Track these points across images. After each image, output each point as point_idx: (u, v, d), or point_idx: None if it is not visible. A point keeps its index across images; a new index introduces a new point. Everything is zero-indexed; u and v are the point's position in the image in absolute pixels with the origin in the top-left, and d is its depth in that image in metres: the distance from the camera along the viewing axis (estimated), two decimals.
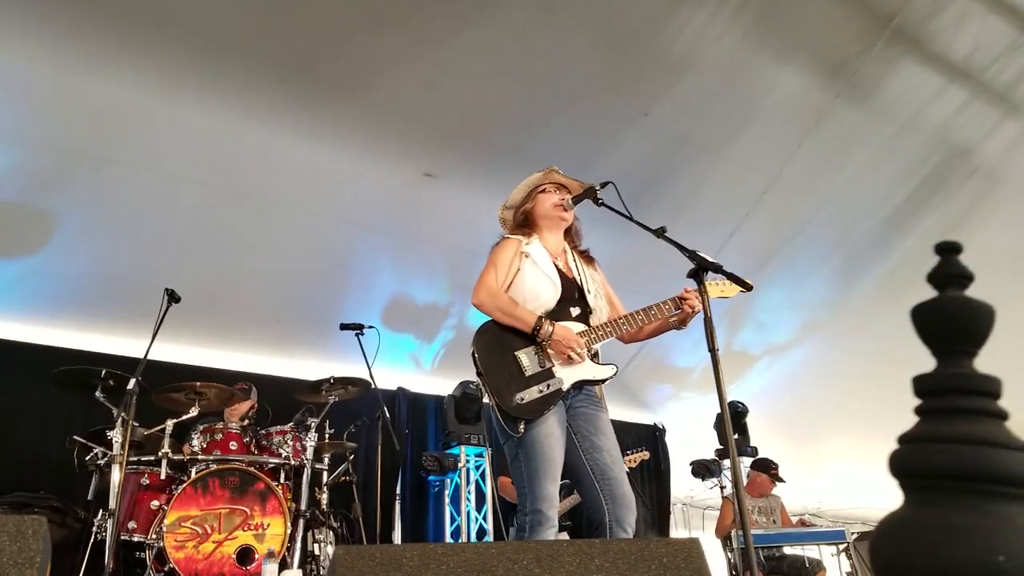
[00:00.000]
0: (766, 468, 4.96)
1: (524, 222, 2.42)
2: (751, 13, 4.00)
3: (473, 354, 2.21)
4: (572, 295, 2.32)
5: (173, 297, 3.26)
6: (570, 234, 2.48)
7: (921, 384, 0.68)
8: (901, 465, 0.66)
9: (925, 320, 0.67)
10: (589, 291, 2.34)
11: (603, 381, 2.30)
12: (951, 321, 0.66)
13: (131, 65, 3.60)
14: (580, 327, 2.26)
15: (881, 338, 5.87)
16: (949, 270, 0.67)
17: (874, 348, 5.89)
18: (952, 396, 0.65)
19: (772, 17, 4.05)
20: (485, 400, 2.41)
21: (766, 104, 4.60)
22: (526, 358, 2.20)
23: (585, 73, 4.10)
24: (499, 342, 2.21)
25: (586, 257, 2.48)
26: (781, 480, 4.97)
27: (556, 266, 2.34)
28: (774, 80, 4.47)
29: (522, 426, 2.13)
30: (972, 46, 4.52)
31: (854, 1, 4.07)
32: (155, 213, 4.25)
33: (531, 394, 2.16)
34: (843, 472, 6.60)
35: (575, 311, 2.30)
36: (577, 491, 2.33)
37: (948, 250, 0.68)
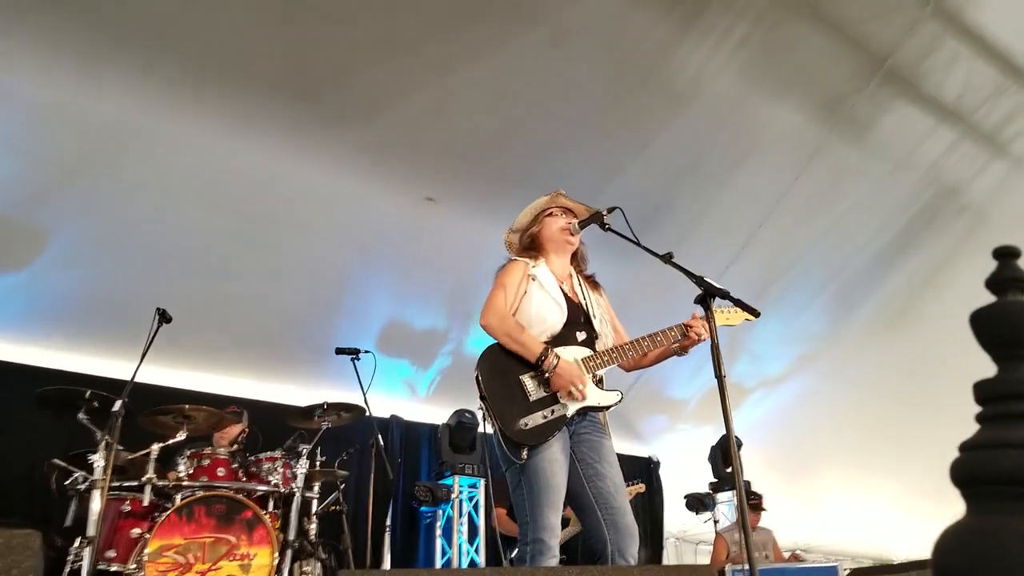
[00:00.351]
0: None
1: (530, 245, 2.40)
2: (750, 51, 4.11)
3: (477, 377, 2.17)
4: (578, 319, 2.29)
5: (164, 317, 3.19)
6: (576, 258, 2.47)
7: (983, 390, 0.65)
8: (964, 472, 0.63)
9: (985, 325, 0.65)
10: (595, 316, 2.32)
11: (608, 407, 2.26)
12: (1012, 326, 0.64)
13: (131, 83, 3.59)
14: (586, 352, 2.23)
15: (874, 371, 5.90)
16: (1008, 275, 0.65)
17: (868, 381, 5.91)
18: (1017, 401, 0.63)
19: (770, 55, 4.17)
20: (482, 429, 2.33)
21: (763, 139, 4.69)
22: (531, 383, 2.16)
23: (589, 103, 4.16)
24: (504, 366, 2.17)
25: (592, 282, 2.46)
26: (763, 509, 4.92)
27: (562, 290, 2.31)
28: (771, 115, 4.57)
29: (525, 452, 2.08)
30: (961, 88, 4.66)
31: (849, 42, 4.20)
32: (149, 231, 4.20)
33: (535, 419, 2.11)
34: (837, 505, 6.53)
35: (581, 335, 2.27)
36: (578, 519, 2.27)
37: (1007, 255, 0.66)
